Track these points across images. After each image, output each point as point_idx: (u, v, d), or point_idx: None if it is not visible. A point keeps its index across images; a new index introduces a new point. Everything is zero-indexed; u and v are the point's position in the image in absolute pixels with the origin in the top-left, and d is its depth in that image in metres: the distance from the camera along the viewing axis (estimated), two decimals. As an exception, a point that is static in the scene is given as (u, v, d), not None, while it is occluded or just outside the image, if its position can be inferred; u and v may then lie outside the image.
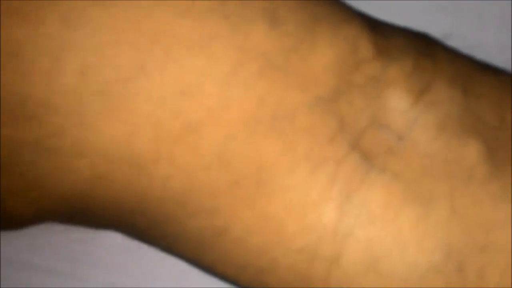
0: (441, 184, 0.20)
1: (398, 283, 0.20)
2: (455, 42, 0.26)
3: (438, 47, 0.21)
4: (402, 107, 0.20)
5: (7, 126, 0.19)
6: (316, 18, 0.20)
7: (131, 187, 0.20)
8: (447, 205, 0.20)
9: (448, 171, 0.20)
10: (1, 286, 0.26)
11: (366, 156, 0.20)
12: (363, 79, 0.20)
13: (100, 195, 0.20)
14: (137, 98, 0.19)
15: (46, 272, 0.27)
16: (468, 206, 0.20)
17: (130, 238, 0.26)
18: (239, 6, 0.19)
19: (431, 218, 0.19)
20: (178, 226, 0.20)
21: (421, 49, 0.21)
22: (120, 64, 0.19)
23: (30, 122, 0.19)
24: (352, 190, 0.19)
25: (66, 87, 0.19)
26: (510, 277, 0.19)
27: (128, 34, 0.19)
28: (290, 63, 0.20)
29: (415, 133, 0.20)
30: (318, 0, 0.20)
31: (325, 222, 0.19)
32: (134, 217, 0.21)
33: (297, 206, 0.19)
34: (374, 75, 0.20)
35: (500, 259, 0.19)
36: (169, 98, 0.19)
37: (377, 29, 0.21)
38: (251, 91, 0.19)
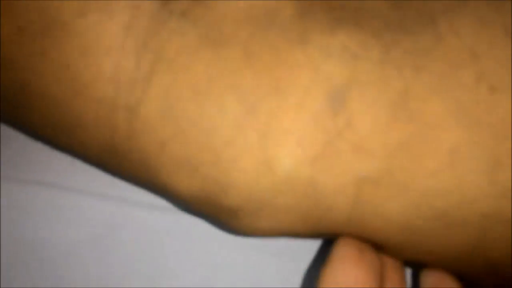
0: (240, 29, 0.19)
1: (195, 131, 0.19)
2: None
3: None
4: None
5: None
6: None
7: None
8: (241, 50, 0.19)
9: (250, 17, 0.19)
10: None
11: (165, 4, 0.19)
12: None
13: None
14: None
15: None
16: (263, 51, 0.19)
17: None
18: None
19: (223, 62, 0.19)
20: None
21: None
22: None
23: None
24: (149, 37, 0.19)
25: None
26: (301, 113, 0.19)
27: None
28: None
29: None
30: None
31: (122, 70, 0.19)
32: None
33: (91, 54, 0.19)
34: None
35: (292, 100, 0.19)
36: None
37: None
38: None
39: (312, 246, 0.28)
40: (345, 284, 0.20)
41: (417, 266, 0.23)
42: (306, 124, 0.19)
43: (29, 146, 0.27)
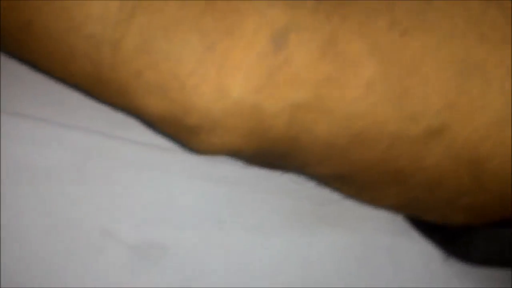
0: None
1: (165, 63, 0.24)
2: None
3: None
4: None
5: None
6: None
7: None
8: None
9: None
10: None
11: None
12: None
13: None
14: None
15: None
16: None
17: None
18: None
19: (188, 7, 0.24)
20: None
21: None
22: None
23: None
24: None
25: None
26: (250, 51, 0.24)
27: None
28: None
29: None
30: None
31: (108, 12, 0.24)
32: None
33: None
34: None
35: (242, 41, 0.24)
36: None
37: None
38: None
39: (259, 177, 0.33)
40: None
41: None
42: (253, 60, 0.24)
43: (17, 80, 0.31)
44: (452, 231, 0.31)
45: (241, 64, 0.24)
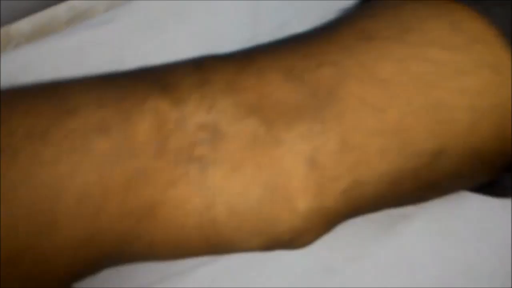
0: (247, 152, 0.31)
1: (252, 216, 0.32)
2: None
3: (212, 68, 0.32)
4: (207, 121, 0.31)
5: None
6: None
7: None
8: (252, 165, 0.31)
9: (246, 145, 0.32)
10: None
11: (199, 160, 0.31)
12: (172, 125, 0.30)
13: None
14: None
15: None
16: (263, 156, 0.31)
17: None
18: None
19: (238, 179, 0.31)
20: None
21: (198, 78, 0.31)
22: None
23: None
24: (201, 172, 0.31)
25: None
26: (297, 178, 0.32)
27: None
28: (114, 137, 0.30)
29: (220, 127, 0.31)
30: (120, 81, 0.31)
31: (198, 205, 0.31)
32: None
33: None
34: (178, 118, 0.30)
35: (290, 174, 0.32)
36: None
37: (168, 85, 0.31)
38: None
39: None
40: None
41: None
42: (301, 182, 0.31)
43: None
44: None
45: (296, 189, 0.32)
